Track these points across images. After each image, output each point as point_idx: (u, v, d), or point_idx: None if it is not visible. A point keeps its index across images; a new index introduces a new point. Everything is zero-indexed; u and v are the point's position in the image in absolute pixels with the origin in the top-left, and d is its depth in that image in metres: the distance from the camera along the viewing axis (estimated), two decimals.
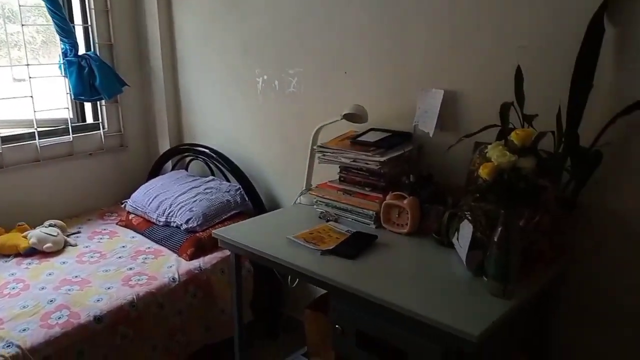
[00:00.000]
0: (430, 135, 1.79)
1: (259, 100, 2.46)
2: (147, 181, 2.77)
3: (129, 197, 2.66)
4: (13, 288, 1.96)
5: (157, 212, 2.45)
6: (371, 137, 1.88)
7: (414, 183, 1.75)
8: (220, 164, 2.57)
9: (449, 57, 1.76)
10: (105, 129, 2.88)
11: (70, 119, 2.72)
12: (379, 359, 1.37)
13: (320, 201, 1.95)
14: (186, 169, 2.85)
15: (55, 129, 2.70)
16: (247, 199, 2.46)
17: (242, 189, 2.47)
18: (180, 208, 2.38)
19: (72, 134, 2.71)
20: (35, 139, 2.58)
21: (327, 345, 1.79)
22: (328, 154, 1.91)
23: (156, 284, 1.99)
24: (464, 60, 1.73)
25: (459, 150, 1.66)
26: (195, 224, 2.29)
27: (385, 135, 1.87)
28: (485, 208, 1.32)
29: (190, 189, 2.50)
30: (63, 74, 2.62)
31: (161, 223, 2.42)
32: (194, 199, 2.41)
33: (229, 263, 2.09)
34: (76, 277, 2.04)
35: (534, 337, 1.64)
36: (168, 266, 2.13)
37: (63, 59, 2.58)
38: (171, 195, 2.48)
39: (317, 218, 1.88)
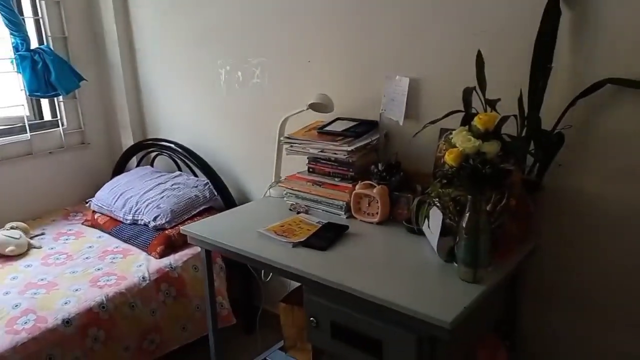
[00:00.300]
0: (400, 123, 1.79)
1: (222, 92, 2.41)
2: (111, 179, 2.70)
3: (94, 196, 2.59)
4: None
5: (123, 210, 2.39)
6: (338, 127, 1.87)
7: (382, 171, 1.75)
8: (187, 158, 2.53)
9: (411, 43, 1.76)
10: (65, 126, 2.79)
11: (27, 116, 2.62)
12: (355, 349, 1.38)
13: (290, 193, 1.93)
14: (151, 165, 2.78)
15: (11, 128, 2.60)
16: (215, 193, 2.42)
17: (210, 184, 2.44)
18: (147, 205, 2.33)
19: (30, 132, 2.62)
20: None
21: (303, 338, 1.79)
22: (295, 145, 1.90)
23: (126, 284, 1.95)
24: (426, 46, 1.73)
25: (426, 137, 1.66)
26: (163, 221, 2.25)
27: (351, 125, 1.87)
28: (452, 194, 1.33)
29: (157, 185, 2.45)
30: (15, 70, 2.51)
31: (128, 221, 2.37)
32: (161, 195, 2.36)
33: (200, 259, 2.06)
34: (42, 280, 1.99)
35: (506, 318, 1.68)
36: (137, 265, 2.08)
37: (15, 54, 2.47)
38: (137, 193, 2.42)
39: (288, 210, 1.87)
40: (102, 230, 2.44)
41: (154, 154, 2.76)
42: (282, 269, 1.49)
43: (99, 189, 2.60)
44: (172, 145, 2.56)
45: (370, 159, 1.84)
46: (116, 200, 2.44)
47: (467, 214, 1.27)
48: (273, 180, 2.07)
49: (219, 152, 2.53)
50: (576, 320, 1.62)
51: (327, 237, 1.59)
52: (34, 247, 2.28)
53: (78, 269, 2.07)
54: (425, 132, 1.57)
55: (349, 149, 1.74)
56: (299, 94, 2.09)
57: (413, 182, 1.74)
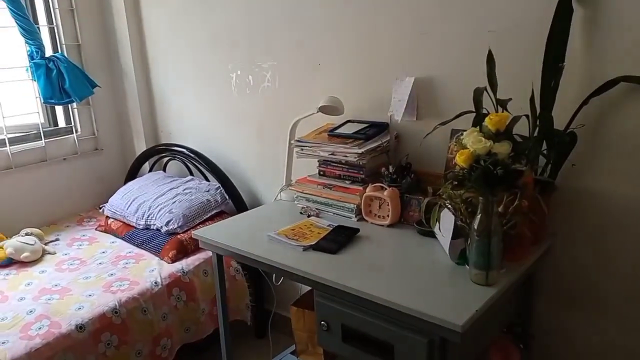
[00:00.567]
0: (399, 121, 1.78)
1: (233, 96, 2.42)
2: (124, 184, 2.72)
3: (107, 202, 2.61)
4: None
5: (136, 215, 2.41)
6: (348, 129, 1.87)
7: (393, 174, 1.74)
8: (199, 163, 2.53)
9: (421, 44, 1.75)
10: (79, 133, 2.82)
11: (42, 123, 2.66)
12: (366, 353, 1.36)
13: (300, 196, 1.93)
14: (164, 170, 2.80)
15: (26, 135, 2.63)
16: (227, 197, 2.43)
17: (221, 188, 2.44)
18: (159, 210, 2.34)
19: (44, 139, 2.65)
20: (6, 146, 2.51)
21: (315, 342, 1.78)
22: (306, 148, 1.89)
23: (138, 289, 1.96)
24: (437, 46, 1.72)
25: (437, 138, 1.65)
26: (175, 226, 2.26)
27: (362, 127, 1.86)
28: (464, 196, 1.31)
29: (169, 190, 2.46)
30: (30, 78, 2.55)
31: (141, 226, 2.38)
32: (173, 200, 2.37)
33: (212, 264, 2.06)
34: (56, 285, 2.00)
35: (519, 320, 1.65)
36: (150, 270, 2.09)
37: (30, 62, 2.51)
38: (150, 198, 2.43)
39: (299, 214, 1.86)
40: (116, 236, 2.46)
41: (166, 159, 2.78)
42: (292, 272, 1.48)
43: (112, 195, 2.62)
44: (184, 150, 2.58)
45: (380, 161, 1.83)
46: (129, 206, 2.46)
47: (479, 216, 1.26)
48: (284, 184, 2.07)
49: (230, 156, 2.54)
50: (591, 321, 1.59)
51: (338, 240, 1.58)
52: (49, 253, 2.30)
53: (91, 274, 2.08)
54: (437, 134, 1.56)
55: (360, 151, 1.73)
56: (310, 97, 2.09)
57: (424, 183, 1.73)
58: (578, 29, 1.42)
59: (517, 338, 1.65)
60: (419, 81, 1.77)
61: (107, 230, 2.52)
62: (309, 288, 1.80)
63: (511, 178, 1.23)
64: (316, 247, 1.55)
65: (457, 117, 1.49)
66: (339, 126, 1.92)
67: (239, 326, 2.32)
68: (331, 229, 1.68)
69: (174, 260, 2.15)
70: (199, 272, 2.15)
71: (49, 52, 2.61)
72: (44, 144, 2.65)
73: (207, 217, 2.35)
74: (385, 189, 1.69)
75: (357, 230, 1.65)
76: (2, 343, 1.65)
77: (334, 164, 1.86)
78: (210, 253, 1.99)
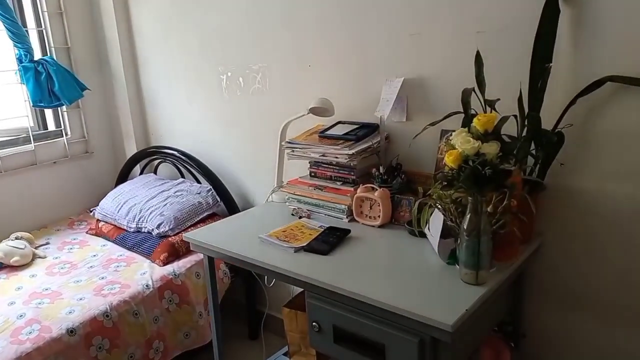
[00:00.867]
0: (384, 118, 1.78)
1: (224, 98, 2.42)
2: (115, 187, 2.71)
3: (98, 205, 2.60)
4: None
5: (127, 218, 2.40)
6: (339, 130, 1.87)
7: (384, 174, 1.75)
8: (190, 165, 2.53)
9: (411, 45, 1.75)
10: (69, 136, 2.80)
11: (31, 127, 2.64)
12: (357, 354, 1.37)
13: (292, 198, 1.93)
14: (155, 173, 2.79)
15: (15, 139, 2.61)
16: (218, 199, 2.43)
17: (213, 190, 2.44)
18: (150, 213, 2.33)
19: (34, 142, 2.63)
20: None
21: (307, 343, 1.78)
22: (297, 149, 1.90)
23: (130, 292, 1.95)
24: (426, 48, 1.72)
25: (427, 139, 1.66)
26: (167, 229, 2.25)
27: (353, 128, 1.86)
28: (453, 196, 1.32)
29: (160, 192, 2.46)
30: (19, 81, 2.54)
31: (132, 229, 2.38)
32: (165, 202, 2.37)
33: (203, 266, 2.06)
34: (46, 289, 1.99)
35: (509, 319, 1.66)
36: (141, 273, 2.08)
37: (18, 65, 2.50)
38: (141, 200, 2.43)
39: (290, 215, 1.86)
40: (107, 239, 2.44)
41: (157, 161, 2.77)
42: (284, 274, 1.48)
43: (103, 198, 2.61)
44: (175, 153, 2.57)
45: (371, 162, 1.83)
46: (120, 209, 2.45)
47: (468, 216, 1.26)
48: (275, 185, 2.07)
49: (221, 158, 2.53)
50: (581, 319, 1.60)
51: (329, 241, 1.58)
52: (39, 257, 2.29)
53: (82, 278, 2.07)
54: (427, 134, 1.57)
55: (350, 152, 1.74)
56: (300, 98, 2.09)
57: (415, 184, 1.74)
58: (565, 29, 1.44)
59: (507, 337, 1.66)
60: (409, 82, 1.77)
61: (98, 233, 2.50)
62: (301, 289, 1.80)
63: (499, 178, 1.24)
64: (307, 249, 1.56)
65: (446, 117, 1.50)
66: (330, 127, 1.92)
67: (231, 328, 2.31)
68: (322, 230, 1.68)
69: (165, 263, 2.15)
70: (190, 274, 2.14)
71: (37, 55, 2.60)
72: (33, 148, 2.63)
73: (198, 219, 2.34)
74: (376, 189, 1.70)
75: (348, 231, 1.65)
76: None
77: (325, 165, 1.87)
78: (202, 255, 1.99)
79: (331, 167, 1.85)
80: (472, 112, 1.42)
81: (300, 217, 1.83)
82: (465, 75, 1.51)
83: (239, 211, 2.33)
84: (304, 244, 1.57)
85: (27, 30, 2.53)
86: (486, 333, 1.57)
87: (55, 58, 2.63)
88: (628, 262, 1.48)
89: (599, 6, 1.38)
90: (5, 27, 2.39)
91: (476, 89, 1.45)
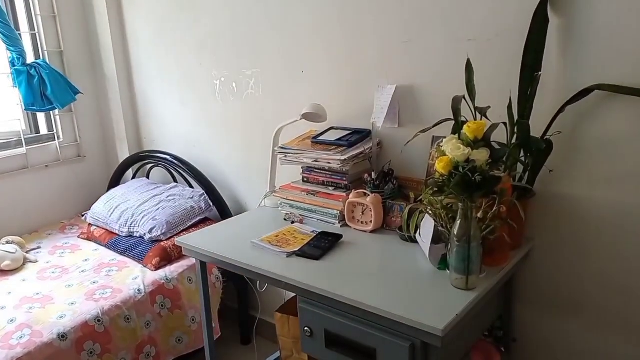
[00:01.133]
0: (379, 126, 1.80)
1: (217, 103, 2.43)
2: (107, 191, 2.70)
3: (90, 209, 2.59)
4: None
5: (119, 223, 2.39)
6: (331, 136, 1.88)
7: (376, 180, 1.76)
8: (182, 169, 2.53)
9: (403, 52, 1.77)
10: (61, 140, 2.80)
11: (23, 130, 2.63)
12: (349, 358, 1.37)
13: (284, 203, 1.94)
14: (147, 177, 2.79)
15: (7, 142, 2.60)
16: (211, 204, 2.43)
17: (205, 195, 2.44)
18: (142, 217, 2.33)
19: (26, 146, 2.63)
20: None
21: (299, 347, 1.79)
22: (290, 154, 1.91)
23: (121, 297, 1.95)
24: (418, 55, 1.74)
25: (419, 145, 1.68)
26: (159, 233, 2.25)
27: (345, 134, 1.88)
28: (444, 202, 1.33)
29: (153, 197, 2.45)
30: (12, 85, 2.53)
31: (124, 234, 2.37)
32: (157, 207, 2.36)
33: (196, 271, 2.06)
34: (37, 294, 1.98)
35: (499, 324, 1.68)
36: (133, 278, 2.08)
37: (11, 69, 2.49)
38: (133, 205, 2.42)
39: (282, 220, 1.87)
40: (98, 243, 2.44)
41: (149, 165, 2.77)
42: (276, 279, 1.49)
43: (95, 202, 2.60)
44: (168, 157, 2.57)
45: (363, 168, 1.85)
46: (112, 213, 2.44)
47: (458, 222, 1.28)
48: (268, 190, 2.08)
49: (214, 163, 2.54)
50: (570, 324, 1.62)
51: (321, 246, 1.59)
52: (30, 262, 2.28)
53: (74, 282, 2.06)
54: (418, 141, 1.58)
55: (343, 158, 1.75)
56: (293, 104, 2.10)
57: (406, 190, 1.75)
58: (554, 38, 1.46)
59: (498, 341, 1.68)
60: (401, 89, 1.79)
61: (90, 237, 2.50)
62: (294, 294, 1.81)
63: (489, 184, 1.25)
64: (300, 254, 1.56)
65: (437, 124, 1.52)
66: (322, 133, 1.93)
67: (224, 333, 2.31)
68: (315, 235, 1.69)
69: (157, 267, 2.14)
70: (183, 279, 2.14)
71: (30, 58, 2.59)
72: (25, 151, 2.62)
73: (191, 224, 2.34)
74: (368, 195, 1.71)
75: (341, 236, 1.66)
76: None
77: (317, 171, 1.88)
78: (193, 260, 2.00)
79: (323, 172, 1.86)
80: (463, 119, 1.44)
81: (292, 222, 1.84)
82: (456, 82, 1.53)
83: (232, 216, 2.33)
84: (296, 249, 1.58)
85: (20, 34, 2.52)
86: (476, 337, 1.59)
87: (48, 61, 2.63)
88: (616, 267, 1.50)
89: (587, 16, 1.41)
90: None
91: (466, 96, 1.47)
